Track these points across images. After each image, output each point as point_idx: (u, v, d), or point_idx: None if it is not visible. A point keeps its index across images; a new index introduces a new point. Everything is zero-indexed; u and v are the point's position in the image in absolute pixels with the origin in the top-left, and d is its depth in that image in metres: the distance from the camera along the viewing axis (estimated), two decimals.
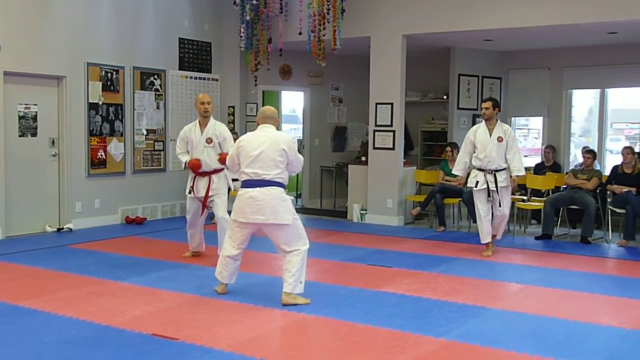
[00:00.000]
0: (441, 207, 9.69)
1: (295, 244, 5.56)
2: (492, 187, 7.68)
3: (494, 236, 7.99)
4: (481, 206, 7.78)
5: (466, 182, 8.13)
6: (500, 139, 7.65)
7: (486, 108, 7.74)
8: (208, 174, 7.18)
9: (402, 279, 6.52)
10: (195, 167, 7.10)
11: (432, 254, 7.91)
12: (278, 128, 5.90)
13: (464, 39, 10.27)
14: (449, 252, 8.06)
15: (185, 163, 7.18)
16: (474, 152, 7.84)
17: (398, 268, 7.04)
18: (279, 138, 5.58)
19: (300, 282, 5.54)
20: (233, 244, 5.72)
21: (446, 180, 9.89)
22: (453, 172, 8.28)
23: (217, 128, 7.22)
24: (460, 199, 9.70)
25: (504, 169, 7.72)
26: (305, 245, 5.61)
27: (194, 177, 7.21)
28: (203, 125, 7.25)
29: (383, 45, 10.15)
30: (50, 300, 5.58)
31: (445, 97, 11.83)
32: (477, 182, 7.76)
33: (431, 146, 12.35)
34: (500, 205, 7.76)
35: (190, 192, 7.22)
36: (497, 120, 7.81)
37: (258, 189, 5.48)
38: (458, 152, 9.96)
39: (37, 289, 6.00)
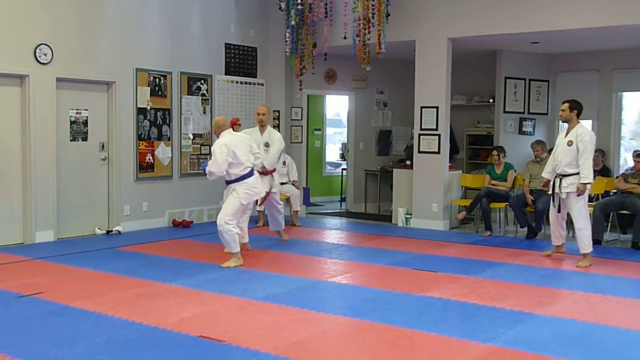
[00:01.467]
0: (487, 212, 9.59)
1: None
2: (557, 190, 7.56)
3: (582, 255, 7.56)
4: (550, 210, 7.86)
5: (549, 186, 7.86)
6: (570, 143, 7.43)
7: (562, 110, 7.58)
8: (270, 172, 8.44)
9: (447, 284, 6.47)
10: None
11: (478, 259, 7.83)
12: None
13: (511, 41, 10.15)
14: (495, 257, 7.96)
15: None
16: None
17: (444, 273, 7.00)
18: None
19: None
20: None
21: (492, 185, 9.79)
22: (543, 175, 8.01)
23: (271, 135, 8.70)
24: (507, 203, 9.59)
25: (572, 174, 7.44)
26: None
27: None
28: (262, 132, 8.69)
29: (428, 49, 10.10)
30: (100, 301, 5.69)
31: (491, 100, 11.72)
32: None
33: (477, 150, 12.24)
34: (559, 211, 7.65)
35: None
36: (578, 122, 7.53)
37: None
38: (505, 155, 9.94)
39: (87, 290, 6.13)
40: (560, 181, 7.53)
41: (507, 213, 10.10)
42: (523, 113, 11.22)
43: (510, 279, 6.74)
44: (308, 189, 11.31)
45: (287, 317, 5.30)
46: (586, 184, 7.37)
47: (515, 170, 9.90)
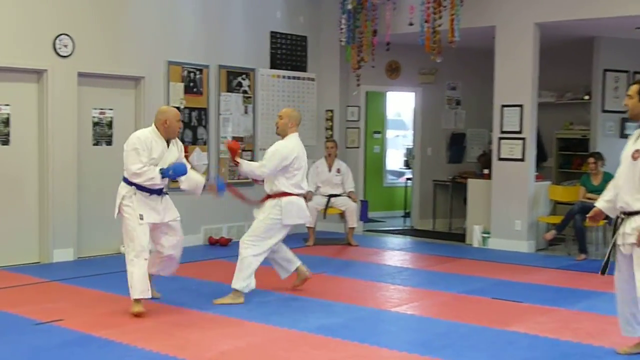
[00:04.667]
0: (582, 231, 9.46)
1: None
2: (618, 240, 5.24)
3: None
4: (615, 274, 5.42)
5: None
6: (636, 155, 5.10)
7: (628, 97, 5.34)
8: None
9: (534, 317, 6.41)
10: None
11: (571, 287, 7.75)
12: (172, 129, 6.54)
13: (611, 27, 10.03)
14: (592, 285, 7.83)
15: None
16: None
17: (529, 303, 6.93)
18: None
19: (132, 287, 6.25)
20: None
21: (588, 198, 9.65)
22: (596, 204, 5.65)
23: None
24: (605, 221, 9.42)
25: (638, 212, 5.09)
26: (127, 250, 6.40)
27: None
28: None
29: (511, 37, 10.05)
30: (127, 330, 5.80)
31: (586, 97, 11.59)
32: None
33: (569, 157, 12.10)
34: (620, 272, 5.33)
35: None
36: None
37: None
38: (603, 163, 9.79)
39: (112, 317, 6.26)
40: (622, 223, 5.22)
41: (606, 233, 9.93)
42: (625, 113, 11.03)
43: (610, 312, 6.57)
44: (366, 202, 11.32)
45: (344, 352, 5.32)
46: None
47: None
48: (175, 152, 6.55)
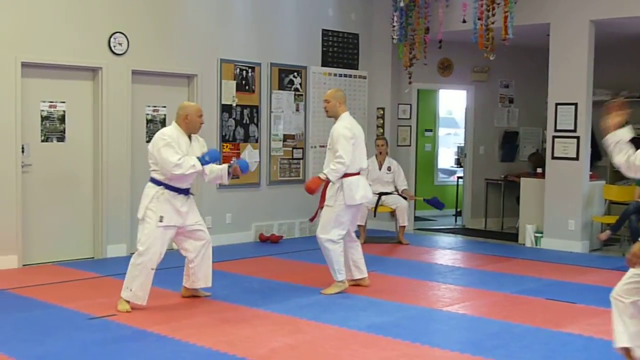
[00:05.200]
0: (637, 231, 9.31)
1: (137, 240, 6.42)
2: None
3: None
4: None
5: None
6: None
7: None
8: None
9: (589, 318, 6.33)
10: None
11: None
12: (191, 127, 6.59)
13: None
14: None
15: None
16: None
17: (584, 304, 6.84)
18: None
19: (128, 288, 6.31)
20: None
21: None
22: None
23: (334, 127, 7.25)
24: None
25: None
26: (138, 244, 6.40)
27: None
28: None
29: (566, 34, 9.92)
30: (180, 327, 5.86)
31: None
32: None
33: None
34: None
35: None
36: None
37: None
38: None
39: (165, 313, 6.35)
40: None
41: None
42: None
43: None
44: (435, 197, 11.10)
45: (395, 351, 5.31)
46: None
47: None
48: (197, 148, 6.60)
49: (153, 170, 6.51)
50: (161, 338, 5.57)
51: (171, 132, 6.48)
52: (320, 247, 7.18)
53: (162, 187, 6.42)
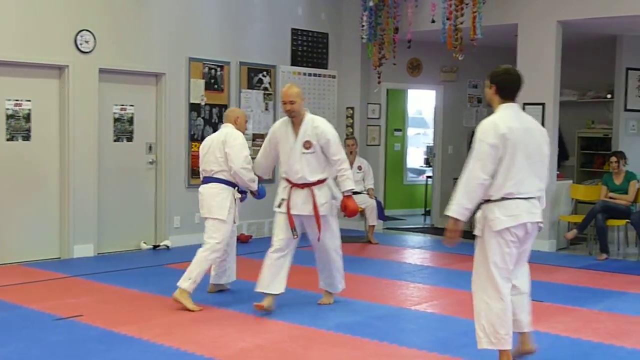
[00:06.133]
0: (603, 230, 9.40)
1: (209, 237, 6.59)
2: None
3: None
4: None
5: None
6: None
7: None
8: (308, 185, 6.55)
9: (555, 317, 6.37)
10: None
11: (592, 287, 7.69)
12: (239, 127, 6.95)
13: (634, 25, 9.93)
14: (613, 284, 7.80)
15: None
16: None
17: (550, 303, 6.87)
18: (221, 136, 6.77)
19: (190, 279, 6.33)
20: None
21: (610, 198, 9.60)
22: None
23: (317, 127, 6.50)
24: (627, 220, 9.37)
25: None
26: (214, 240, 6.54)
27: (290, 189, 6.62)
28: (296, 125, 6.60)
29: (533, 34, 9.99)
30: (147, 327, 5.82)
31: (609, 96, 11.50)
32: None
33: (590, 155, 12.02)
34: None
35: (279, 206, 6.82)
36: None
37: (203, 185, 6.84)
38: (625, 162, 9.72)
39: (132, 313, 6.29)
40: None
41: (628, 232, 9.88)
42: None
43: (632, 311, 6.59)
44: (379, 203, 11.03)
45: (363, 350, 5.31)
46: None
47: (638, 181, 9.67)
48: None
49: (220, 171, 6.75)
50: (128, 339, 5.52)
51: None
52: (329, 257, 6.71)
53: (236, 188, 6.82)
